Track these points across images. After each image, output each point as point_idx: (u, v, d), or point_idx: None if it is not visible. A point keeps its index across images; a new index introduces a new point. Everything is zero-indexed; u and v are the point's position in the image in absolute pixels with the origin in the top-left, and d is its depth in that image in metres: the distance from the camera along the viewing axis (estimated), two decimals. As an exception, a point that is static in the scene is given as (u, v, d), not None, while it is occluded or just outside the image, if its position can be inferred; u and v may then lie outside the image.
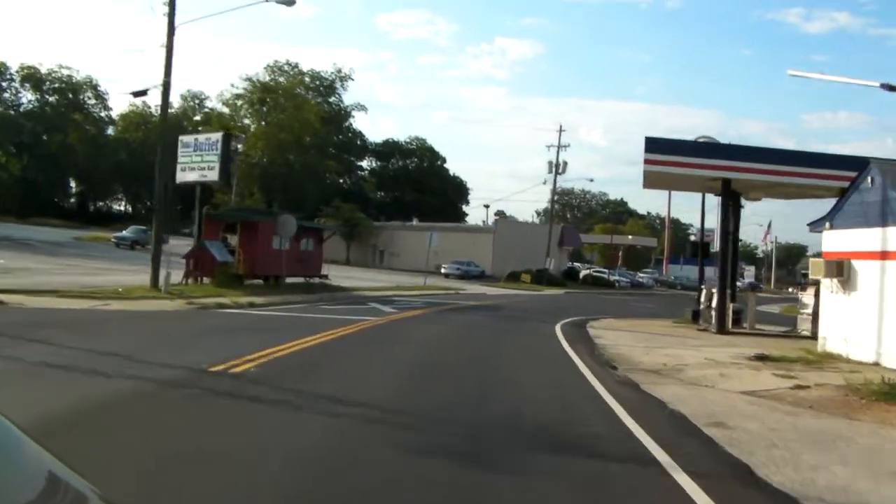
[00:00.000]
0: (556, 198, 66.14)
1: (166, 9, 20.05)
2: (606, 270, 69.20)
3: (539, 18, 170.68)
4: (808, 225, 16.04)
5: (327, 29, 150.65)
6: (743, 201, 21.96)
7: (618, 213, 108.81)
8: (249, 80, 68.44)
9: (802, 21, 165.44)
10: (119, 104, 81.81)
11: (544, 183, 59.65)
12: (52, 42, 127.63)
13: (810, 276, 17.51)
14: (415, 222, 64.21)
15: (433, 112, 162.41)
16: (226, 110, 72.64)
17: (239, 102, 69.98)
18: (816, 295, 19.87)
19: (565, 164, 56.72)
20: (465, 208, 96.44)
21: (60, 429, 5.17)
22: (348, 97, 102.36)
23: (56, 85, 77.54)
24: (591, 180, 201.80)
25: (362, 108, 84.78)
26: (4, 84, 74.73)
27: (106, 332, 11.89)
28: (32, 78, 75.52)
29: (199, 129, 60.49)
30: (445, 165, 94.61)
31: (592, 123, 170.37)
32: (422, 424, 6.67)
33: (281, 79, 71.10)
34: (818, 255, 17.60)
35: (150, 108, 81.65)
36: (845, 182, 15.49)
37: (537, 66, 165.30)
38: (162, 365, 8.40)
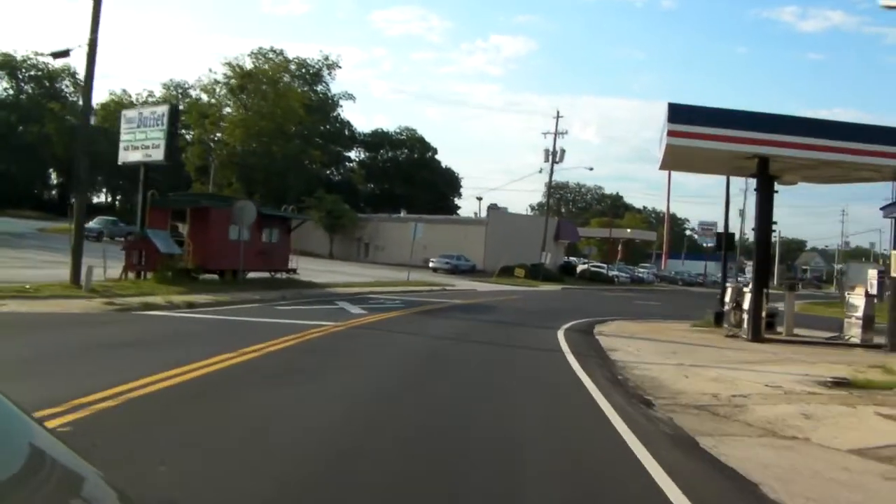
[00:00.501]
0: (550, 192, 62.76)
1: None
2: (605, 265, 66.10)
3: (534, 16, 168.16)
4: (881, 209, 12.74)
5: (320, 24, 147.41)
6: (777, 186, 18.63)
7: (614, 208, 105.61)
8: (228, 64, 64.61)
9: (797, 20, 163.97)
10: (99, 95, 77.51)
11: (540, 171, 56.25)
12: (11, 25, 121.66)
13: (892, 273, 14.18)
14: (402, 214, 60.61)
15: (427, 108, 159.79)
16: (204, 96, 68.91)
17: (217, 88, 66.23)
18: (867, 296, 16.79)
19: (563, 151, 53.37)
20: (457, 201, 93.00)
21: None
22: (341, 92, 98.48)
23: (32, 73, 73.68)
24: (591, 169, 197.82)
25: (350, 97, 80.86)
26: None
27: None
28: (8, 65, 71.61)
29: (182, 118, 56.48)
30: (437, 157, 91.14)
31: (587, 120, 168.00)
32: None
33: (265, 66, 67.16)
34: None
35: (130, 96, 77.87)
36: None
37: (531, 62, 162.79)
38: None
